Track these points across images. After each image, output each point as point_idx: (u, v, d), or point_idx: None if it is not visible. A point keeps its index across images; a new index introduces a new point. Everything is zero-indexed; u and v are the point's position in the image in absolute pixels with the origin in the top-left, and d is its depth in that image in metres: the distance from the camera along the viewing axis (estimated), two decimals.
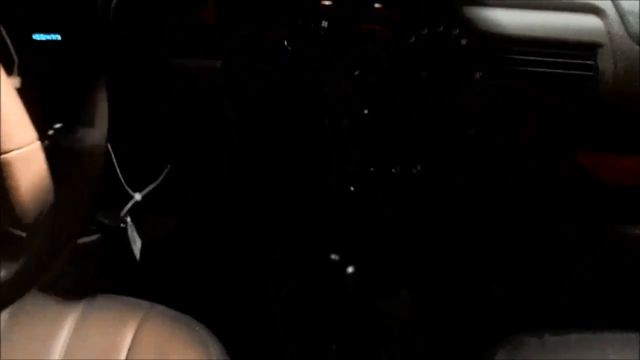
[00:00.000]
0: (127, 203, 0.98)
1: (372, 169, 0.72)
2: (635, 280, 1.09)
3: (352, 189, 0.74)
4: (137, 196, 0.97)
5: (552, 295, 1.16)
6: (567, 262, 1.13)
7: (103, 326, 0.77)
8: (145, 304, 0.82)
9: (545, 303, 1.15)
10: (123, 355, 0.73)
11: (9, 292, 0.45)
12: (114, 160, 0.88)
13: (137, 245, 1.10)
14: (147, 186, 0.99)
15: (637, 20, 0.73)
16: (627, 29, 0.74)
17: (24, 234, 0.45)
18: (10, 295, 0.45)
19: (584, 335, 0.86)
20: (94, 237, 0.95)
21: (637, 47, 0.73)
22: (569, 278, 1.15)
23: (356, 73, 0.66)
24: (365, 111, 0.68)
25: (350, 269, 0.91)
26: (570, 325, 0.87)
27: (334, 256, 0.91)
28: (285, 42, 0.70)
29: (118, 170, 0.90)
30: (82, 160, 0.45)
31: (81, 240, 0.93)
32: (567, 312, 1.01)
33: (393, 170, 0.72)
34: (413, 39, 0.69)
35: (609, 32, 0.74)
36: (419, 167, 0.73)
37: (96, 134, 0.63)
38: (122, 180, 0.92)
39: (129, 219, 1.00)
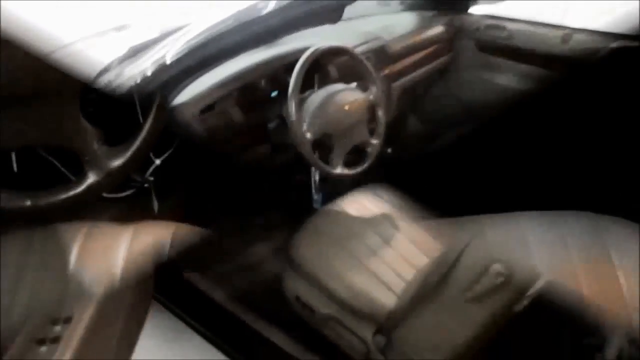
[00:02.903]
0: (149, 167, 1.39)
1: None
2: None
3: None
4: (157, 161, 1.38)
5: None
6: None
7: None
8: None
9: None
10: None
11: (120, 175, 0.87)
12: None
13: (155, 203, 1.51)
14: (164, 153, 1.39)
15: None
16: None
17: None
18: (121, 176, 0.88)
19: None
20: (130, 190, 1.36)
21: None
22: None
23: None
24: None
25: None
26: None
27: None
28: None
29: None
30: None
31: (123, 194, 1.34)
32: None
33: None
34: None
35: None
36: None
37: None
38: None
39: (151, 179, 1.40)
